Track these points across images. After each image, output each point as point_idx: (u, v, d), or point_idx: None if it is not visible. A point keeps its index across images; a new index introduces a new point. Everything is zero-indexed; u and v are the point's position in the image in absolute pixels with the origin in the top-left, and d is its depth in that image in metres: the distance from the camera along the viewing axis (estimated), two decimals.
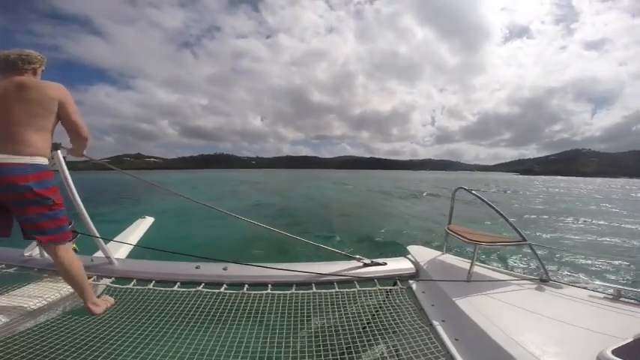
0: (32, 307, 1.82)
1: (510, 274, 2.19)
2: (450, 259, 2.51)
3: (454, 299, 1.78)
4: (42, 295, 1.94)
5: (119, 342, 1.59)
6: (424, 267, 2.33)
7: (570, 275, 5.80)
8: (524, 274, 2.21)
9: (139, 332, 1.68)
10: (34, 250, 2.42)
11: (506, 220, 2.14)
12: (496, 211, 2.20)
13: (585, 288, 1.97)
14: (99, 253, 2.36)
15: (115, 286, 2.11)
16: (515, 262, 6.43)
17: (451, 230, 2.38)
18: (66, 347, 1.52)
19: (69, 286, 2.02)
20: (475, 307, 1.68)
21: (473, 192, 2.50)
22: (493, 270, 2.27)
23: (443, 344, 1.50)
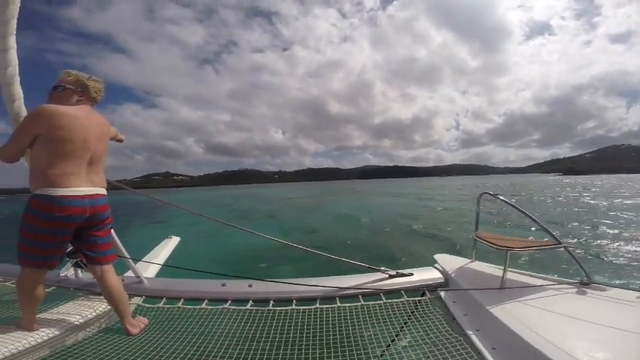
0: (72, 324, 1.91)
1: (547, 279, 2.08)
2: (479, 266, 2.43)
3: (488, 307, 1.72)
4: (80, 313, 2.02)
5: None
6: (453, 276, 2.26)
7: (613, 277, 5.40)
8: (561, 277, 2.10)
9: (171, 351, 1.72)
10: (69, 271, 2.54)
11: (538, 223, 2.06)
12: (527, 215, 2.12)
13: (633, 289, 1.84)
14: (129, 273, 2.45)
15: (145, 305, 2.17)
16: (549, 266, 6.15)
17: (479, 237, 2.31)
18: None
19: (103, 305, 2.12)
20: (511, 314, 1.62)
21: (499, 197, 2.43)
22: (528, 275, 2.17)
23: (479, 353, 1.46)
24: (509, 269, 2.06)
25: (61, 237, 1.76)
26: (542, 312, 1.65)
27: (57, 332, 1.81)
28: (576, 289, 1.92)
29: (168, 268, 2.95)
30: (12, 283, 2.37)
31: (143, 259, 2.91)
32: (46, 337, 1.75)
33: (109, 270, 1.95)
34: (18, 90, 1.93)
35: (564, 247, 1.99)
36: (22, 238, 1.72)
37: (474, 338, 1.56)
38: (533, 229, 10.15)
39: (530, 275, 2.17)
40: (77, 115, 1.79)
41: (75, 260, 2.32)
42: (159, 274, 2.86)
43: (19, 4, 1.69)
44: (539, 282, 2.04)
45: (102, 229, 1.92)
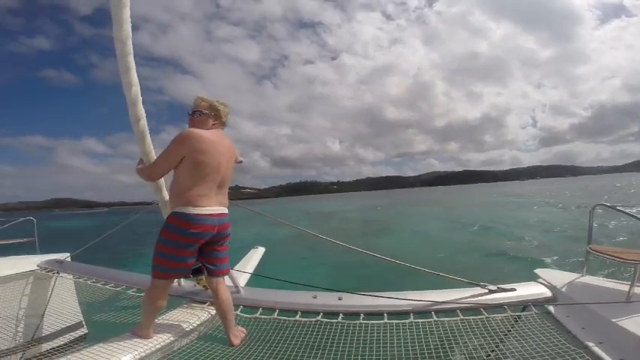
0: (178, 331, 2.04)
1: None
2: (593, 280, 2.28)
3: (613, 320, 1.67)
4: (186, 320, 2.15)
5: None
6: (563, 290, 2.15)
7: None
8: None
9: None
10: None
11: None
12: None
13: None
14: (228, 282, 2.56)
15: (243, 315, 2.25)
16: None
17: (596, 250, 2.18)
18: None
19: (206, 314, 2.25)
20: None
21: (618, 208, 2.37)
22: None
23: None
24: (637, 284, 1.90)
25: (193, 251, 1.93)
26: None
27: (166, 339, 1.95)
28: None
29: (255, 278, 3.05)
30: (133, 292, 2.61)
31: (234, 269, 3.05)
32: (158, 346, 1.89)
33: (223, 282, 2.09)
34: (141, 109, 2.04)
35: None
36: (159, 252, 1.90)
37: (597, 350, 1.56)
38: None
39: None
40: (214, 140, 1.96)
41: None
42: (247, 284, 2.96)
43: (130, 23, 1.79)
44: None
45: (223, 244, 2.08)
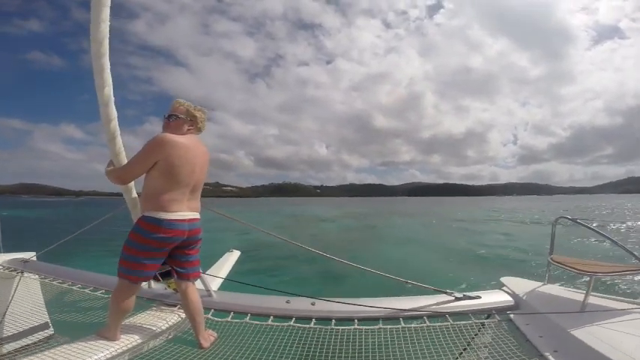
0: (146, 334, 2.01)
1: (633, 303, 1.99)
2: (554, 289, 2.36)
3: (568, 330, 1.71)
4: (153, 323, 2.13)
5: None
6: (525, 299, 2.22)
7: None
8: None
9: None
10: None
11: (624, 248, 2.04)
12: (610, 239, 2.13)
13: None
14: (199, 286, 2.53)
15: (214, 318, 2.23)
16: (632, 290, 5.92)
17: (556, 261, 2.25)
18: None
19: (175, 317, 2.23)
20: (595, 336, 1.60)
21: (578, 220, 2.43)
22: (610, 299, 2.08)
23: None
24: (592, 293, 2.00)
25: (161, 254, 1.93)
26: (629, 335, 1.61)
27: (134, 342, 1.92)
28: None
29: (229, 282, 3.03)
30: (101, 293, 2.55)
31: (207, 272, 3.02)
32: (125, 348, 1.86)
33: (193, 285, 2.10)
34: (113, 110, 2.01)
35: None
36: (126, 255, 1.89)
37: (552, 359, 1.59)
38: (611, 254, 9.24)
39: (613, 299, 2.10)
40: (189, 145, 1.96)
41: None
42: (220, 288, 2.94)
43: (108, 23, 1.78)
44: (624, 305, 1.97)
45: (194, 248, 2.09)
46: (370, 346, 1.89)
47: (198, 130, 2.13)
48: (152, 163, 1.88)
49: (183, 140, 1.94)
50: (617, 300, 2.08)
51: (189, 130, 2.06)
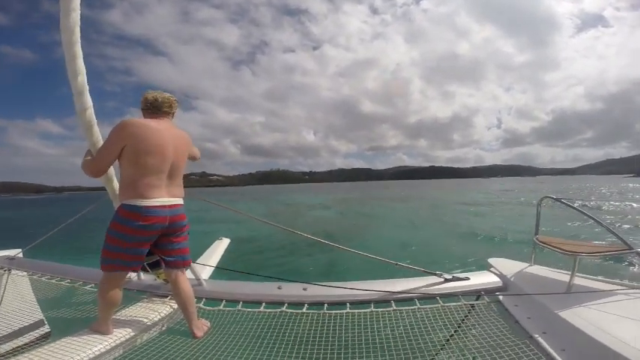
0: (138, 326, 2.00)
1: (617, 283, 2.03)
2: (540, 270, 2.38)
3: (555, 311, 1.73)
4: (145, 315, 2.11)
5: None
6: (512, 280, 2.24)
7: None
8: (631, 282, 2.05)
9: (232, 354, 1.76)
10: (132, 274, 2.68)
11: (608, 228, 2.03)
12: (594, 219, 2.10)
13: None
14: (189, 276, 2.52)
15: (206, 307, 2.23)
16: (616, 271, 5.99)
17: (541, 241, 2.28)
18: None
19: (167, 308, 2.21)
20: (581, 317, 1.63)
21: (563, 200, 2.44)
22: (595, 280, 2.12)
23: (548, 355, 1.49)
24: (577, 274, 2.03)
25: (143, 243, 1.89)
26: (615, 315, 1.63)
27: (127, 334, 1.91)
28: None
29: (219, 271, 3.02)
30: (91, 287, 2.52)
31: (197, 262, 3.00)
32: (118, 341, 1.85)
33: (183, 274, 2.08)
34: (88, 99, 1.97)
35: (636, 252, 1.95)
36: (108, 244, 1.86)
37: (541, 340, 1.59)
38: (597, 231, 9.57)
39: (598, 280, 2.13)
40: (157, 127, 1.92)
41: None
42: (212, 277, 2.93)
43: (79, 12, 1.74)
44: (609, 286, 1.99)
45: (179, 236, 2.05)
46: (362, 330, 1.91)
47: (168, 115, 2.09)
48: (119, 149, 1.85)
49: (151, 122, 1.91)
50: (602, 281, 2.10)
51: (153, 116, 2.03)
